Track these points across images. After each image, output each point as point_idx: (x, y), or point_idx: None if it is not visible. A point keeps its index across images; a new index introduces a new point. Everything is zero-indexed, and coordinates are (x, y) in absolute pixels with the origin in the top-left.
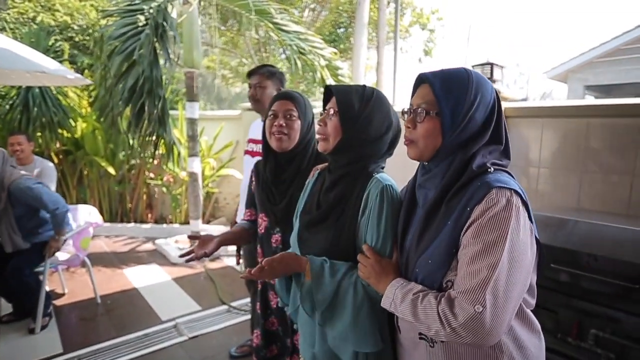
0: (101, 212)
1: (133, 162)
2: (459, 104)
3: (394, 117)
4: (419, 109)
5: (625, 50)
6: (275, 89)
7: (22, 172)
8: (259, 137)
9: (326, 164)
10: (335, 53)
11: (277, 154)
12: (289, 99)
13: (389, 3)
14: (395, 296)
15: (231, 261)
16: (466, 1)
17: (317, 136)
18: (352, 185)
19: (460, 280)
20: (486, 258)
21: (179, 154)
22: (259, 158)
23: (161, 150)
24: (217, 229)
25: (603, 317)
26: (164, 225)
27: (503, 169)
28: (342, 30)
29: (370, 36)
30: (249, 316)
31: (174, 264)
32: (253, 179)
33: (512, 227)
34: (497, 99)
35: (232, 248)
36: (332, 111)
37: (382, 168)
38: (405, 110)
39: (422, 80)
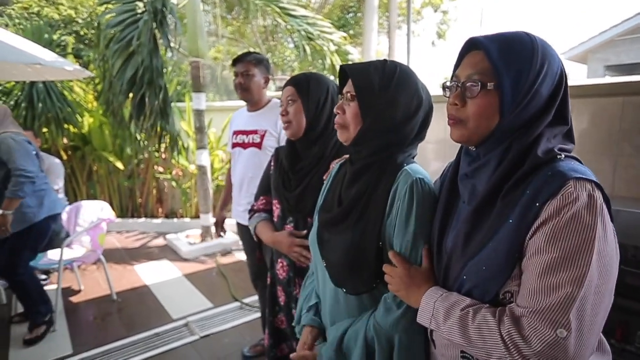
0: (112, 208)
1: (141, 156)
2: (523, 75)
3: (424, 93)
4: (470, 82)
5: None
6: (263, 77)
7: (14, 130)
8: (247, 127)
9: (347, 155)
10: (345, 37)
11: (294, 141)
12: (290, 84)
13: None
14: (436, 310)
15: (243, 256)
16: None
17: (335, 125)
18: (378, 179)
19: (530, 296)
20: (569, 270)
21: (186, 147)
22: (254, 150)
23: (166, 143)
24: (227, 223)
25: None
26: (175, 220)
27: (574, 156)
28: (351, 15)
29: (381, 20)
30: (259, 314)
31: (185, 259)
32: (272, 164)
33: (599, 231)
34: (564, 70)
35: None
36: (349, 96)
37: (414, 157)
38: (449, 83)
39: (473, 45)
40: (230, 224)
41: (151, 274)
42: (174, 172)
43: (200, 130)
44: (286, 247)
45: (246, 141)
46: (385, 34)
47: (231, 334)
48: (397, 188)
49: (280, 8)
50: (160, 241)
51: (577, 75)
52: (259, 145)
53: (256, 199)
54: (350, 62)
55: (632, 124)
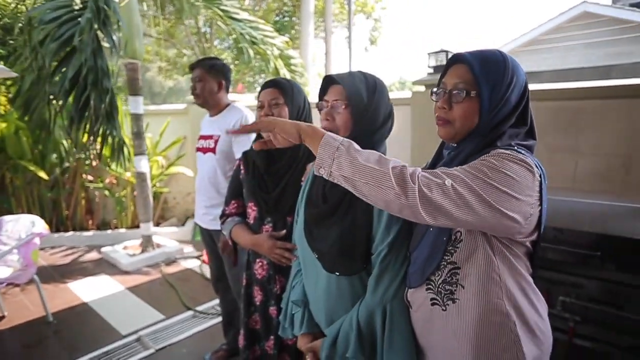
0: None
1: (67, 164)
2: (497, 86)
3: (389, 101)
4: (456, 90)
5: (542, 41)
6: (217, 82)
7: None
8: (207, 132)
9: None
10: (287, 42)
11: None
12: (272, 86)
13: None
14: (341, 144)
15: (189, 264)
16: None
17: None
18: None
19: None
20: (479, 176)
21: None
22: (210, 154)
23: (107, 149)
24: (168, 231)
25: (568, 284)
26: (109, 231)
27: (524, 149)
28: (286, 19)
29: (315, 25)
30: (217, 320)
31: (126, 272)
32: (242, 168)
33: (519, 175)
34: (527, 82)
35: (188, 250)
36: (340, 104)
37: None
38: (437, 90)
39: (458, 60)
40: (171, 231)
41: (89, 290)
42: (106, 181)
43: (138, 135)
44: (267, 249)
45: (205, 146)
46: (319, 38)
47: (189, 343)
48: None
49: (223, 11)
50: (94, 255)
51: None
52: (213, 150)
53: (227, 203)
54: (292, 66)
55: (543, 125)
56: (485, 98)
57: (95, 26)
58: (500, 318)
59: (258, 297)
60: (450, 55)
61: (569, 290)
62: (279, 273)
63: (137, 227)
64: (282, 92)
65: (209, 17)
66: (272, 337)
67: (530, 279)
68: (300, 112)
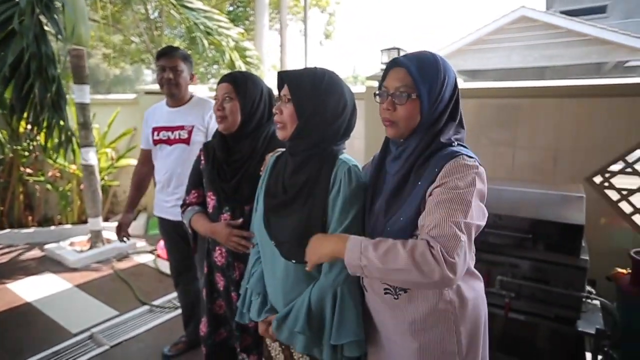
0: None
1: (2, 156)
2: (434, 86)
3: (349, 96)
4: (398, 92)
5: (487, 41)
6: (189, 73)
7: None
8: (171, 123)
9: (279, 149)
10: (242, 34)
11: (226, 135)
12: (227, 81)
13: None
14: (364, 246)
15: (143, 258)
16: None
17: (276, 125)
18: (319, 168)
19: (431, 221)
20: (458, 202)
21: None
22: (181, 145)
23: (51, 140)
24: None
25: (505, 264)
26: (52, 228)
27: (463, 144)
28: (240, 9)
29: (270, 17)
30: (174, 313)
31: (74, 269)
32: (202, 158)
33: (477, 187)
34: (456, 79)
35: (141, 244)
36: (285, 98)
37: (344, 150)
38: (380, 92)
39: (395, 64)
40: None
41: (32, 290)
42: (49, 174)
43: (85, 126)
44: (224, 237)
45: (172, 137)
46: (274, 30)
47: (145, 338)
48: (336, 174)
49: None
50: (36, 253)
51: None
52: (187, 141)
53: (187, 193)
54: (248, 58)
55: (487, 120)
56: (424, 98)
57: (37, 9)
58: (444, 305)
59: (221, 282)
60: (393, 56)
61: (506, 270)
62: (237, 260)
63: (84, 222)
64: (234, 86)
65: (159, 3)
66: (232, 321)
67: (472, 262)
68: (255, 104)
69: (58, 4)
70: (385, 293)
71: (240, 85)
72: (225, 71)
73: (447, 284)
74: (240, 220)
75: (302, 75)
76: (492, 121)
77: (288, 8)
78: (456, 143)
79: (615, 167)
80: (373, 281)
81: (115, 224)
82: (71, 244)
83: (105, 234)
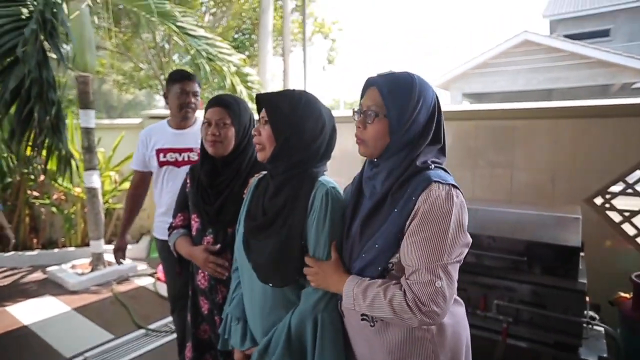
0: None
1: (10, 179)
2: (405, 107)
3: (327, 117)
4: (369, 111)
5: (491, 64)
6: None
7: None
8: (178, 145)
9: (263, 171)
10: (244, 60)
11: (215, 158)
12: (222, 106)
13: (292, 11)
14: (356, 295)
15: (143, 281)
16: (364, 14)
17: (255, 146)
18: (297, 190)
19: (412, 263)
20: (434, 243)
21: (74, 168)
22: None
23: (52, 163)
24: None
25: (501, 288)
26: (56, 250)
27: (441, 166)
28: (245, 36)
29: (275, 44)
30: (170, 337)
31: (74, 292)
32: (188, 182)
33: (454, 214)
34: (437, 102)
35: (142, 267)
36: (263, 120)
37: (325, 172)
38: (356, 110)
39: (370, 83)
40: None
41: (31, 313)
42: (54, 197)
43: (89, 149)
44: (201, 262)
45: (179, 159)
46: (278, 56)
47: None
48: (315, 196)
49: (179, 27)
50: (38, 275)
51: (443, 100)
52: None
53: (174, 216)
54: (249, 83)
55: (484, 142)
56: (393, 119)
57: (42, 37)
58: (421, 333)
59: (205, 306)
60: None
61: (502, 293)
62: (220, 283)
63: (88, 245)
64: (230, 113)
65: (165, 32)
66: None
67: (454, 287)
68: (246, 130)
69: (62, 32)
70: (362, 320)
71: (235, 112)
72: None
73: (430, 325)
74: (218, 246)
75: (280, 96)
76: (490, 143)
77: (292, 34)
78: (433, 166)
79: (615, 188)
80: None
81: None
82: (73, 267)
83: (107, 257)
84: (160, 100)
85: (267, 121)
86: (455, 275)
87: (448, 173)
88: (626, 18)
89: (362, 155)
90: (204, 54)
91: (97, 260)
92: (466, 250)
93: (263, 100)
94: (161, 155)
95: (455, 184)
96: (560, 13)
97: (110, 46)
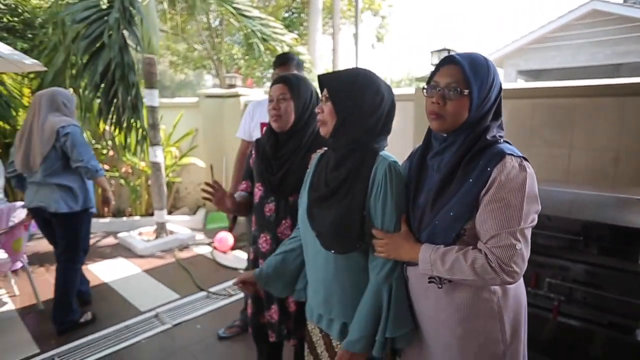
0: None
1: None
2: (483, 85)
3: (386, 92)
4: (451, 87)
5: (550, 39)
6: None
7: None
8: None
9: (324, 147)
10: (296, 39)
11: (278, 133)
12: (281, 82)
13: None
14: (434, 260)
15: (201, 250)
16: None
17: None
18: (360, 163)
19: (488, 230)
20: (511, 210)
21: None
22: None
23: (131, 138)
24: (181, 219)
25: (555, 267)
26: (124, 219)
27: (506, 140)
28: (295, 15)
29: (323, 22)
30: (229, 300)
31: (141, 256)
32: (253, 153)
33: (528, 184)
34: (501, 82)
35: (200, 237)
36: (325, 97)
37: (385, 147)
38: (430, 86)
39: (449, 60)
40: (183, 219)
41: (108, 271)
42: (122, 170)
43: (153, 127)
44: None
45: None
46: (328, 34)
47: (202, 320)
48: (377, 170)
49: (235, 9)
50: (110, 240)
51: None
52: None
53: (240, 182)
54: (304, 63)
55: (540, 121)
56: (475, 96)
57: (122, 25)
58: (488, 294)
59: None
60: (443, 57)
61: (555, 272)
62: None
63: (151, 215)
64: (289, 87)
65: (219, 13)
66: (273, 305)
67: (529, 249)
68: (307, 105)
69: (138, 19)
70: (429, 282)
71: (294, 87)
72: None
73: (510, 283)
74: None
75: (339, 74)
76: (546, 122)
77: (341, 12)
78: (502, 140)
79: None
80: (417, 270)
81: (179, 217)
82: (140, 234)
83: (169, 227)
84: (209, 79)
85: (327, 97)
86: (529, 239)
87: (512, 146)
88: None
89: (437, 131)
90: (258, 34)
91: (161, 229)
92: (536, 217)
93: (324, 79)
94: (264, 129)
95: (525, 157)
96: None
97: (166, 28)
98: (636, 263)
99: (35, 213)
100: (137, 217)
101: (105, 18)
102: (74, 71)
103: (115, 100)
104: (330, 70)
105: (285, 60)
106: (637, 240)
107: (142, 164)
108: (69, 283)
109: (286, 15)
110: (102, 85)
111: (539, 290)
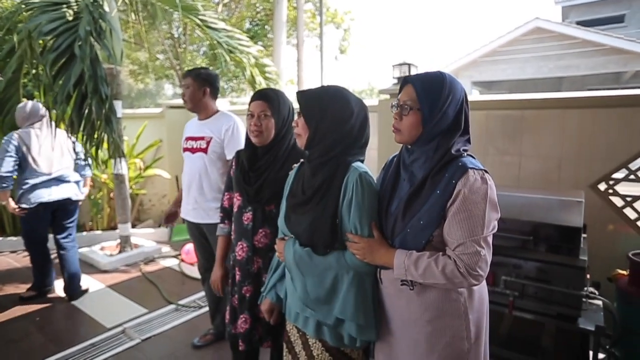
0: (1, 226)
1: None
2: (435, 102)
3: (357, 106)
4: (405, 105)
5: (501, 52)
6: (202, 90)
7: None
8: (196, 134)
9: (301, 159)
10: (261, 51)
11: (257, 146)
12: (263, 99)
13: (306, 2)
14: (407, 266)
15: (168, 262)
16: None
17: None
18: (333, 173)
19: (455, 238)
20: (475, 219)
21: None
22: (201, 154)
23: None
24: (145, 232)
25: (509, 265)
26: (84, 233)
27: (470, 154)
28: (258, 27)
29: (287, 33)
30: (199, 312)
31: (105, 271)
32: (233, 164)
33: (489, 196)
34: (465, 97)
35: (166, 249)
36: (299, 113)
37: (362, 160)
38: (394, 104)
39: (406, 81)
40: (148, 232)
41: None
42: None
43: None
44: (215, 276)
45: (195, 146)
46: (292, 46)
47: (173, 334)
48: (348, 180)
49: (201, 20)
50: None
51: None
52: (205, 150)
53: (223, 195)
54: (267, 74)
55: (494, 131)
56: (425, 112)
57: (93, 37)
58: (455, 295)
59: (237, 277)
60: (404, 70)
61: (510, 270)
62: (256, 254)
63: (113, 228)
64: (269, 104)
65: (182, 23)
66: (242, 314)
67: (491, 254)
68: (285, 121)
69: (106, 29)
70: (402, 284)
71: (274, 103)
72: (247, 86)
73: (475, 285)
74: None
75: (310, 91)
76: (499, 131)
77: (305, 25)
78: (465, 154)
79: (618, 175)
80: (391, 274)
81: (143, 230)
82: (102, 248)
83: (133, 240)
84: (168, 89)
85: (299, 114)
86: (491, 244)
87: (476, 159)
88: None
89: (397, 142)
90: (224, 45)
91: (125, 243)
92: (497, 223)
93: (297, 95)
94: (185, 142)
95: (486, 169)
96: None
97: (126, 37)
98: (577, 258)
99: None
100: (99, 232)
101: (74, 30)
102: (26, 81)
103: (86, 113)
104: (295, 82)
105: (185, 73)
106: (578, 238)
107: (104, 177)
108: None
109: (250, 26)
110: (73, 98)
111: (496, 287)
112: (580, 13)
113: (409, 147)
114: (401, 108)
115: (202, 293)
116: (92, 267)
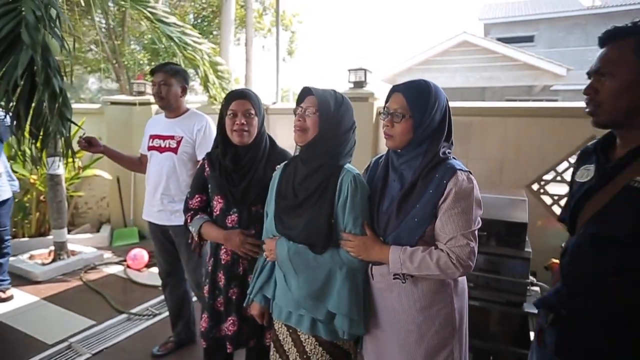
0: None
1: None
2: (425, 109)
3: (354, 120)
4: (397, 113)
5: (434, 61)
6: (180, 86)
7: None
8: (164, 132)
9: (284, 161)
10: (214, 49)
11: (237, 147)
12: (246, 98)
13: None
14: (403, 260)
15: (112, 269)
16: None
17: (295, 128)
18: (327, 176)
19: (447, 233)
20: (464, 216)
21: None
22: (170, 154)
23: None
24: (82, 238)
25: None
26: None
27: (454, 157)
28: (205, 24)
29: (235, 32)
30: (155, 320)
31: (38, 282)
32: (206, 166)
33: (475, 193)
34: (447, 104)
35: (107, 256)
36: (312, 109)
37: (349, 162)
38: (383, 111)
39: (395, 90)
40: (85, 238)
41: None
42: None
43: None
44: (237, 243)
45: (163, 145)
46: (236, 45)
47: (128, 345)
48: (342, 181)
49: (151, 13)
50: None
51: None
52: (175, 151)
53: (191, 197)
54: (219, 72)
55: None
56: (416, 119)
57: (43, 24)
58: (444, 287)
59: (222, 280)
60: (359, 74)
61: None
62: (242, 257)
63: (42, 235)
64: (252, 103)
65: (120, 14)
66: (231, 317)
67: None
68: (262, 119)
69: (54, 14)
70: (394, 278)
71: (256, 102)
72: (197, 84)
73: (464, 275)
74: (253, 231)
75: (327, 93)
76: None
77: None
78: (451, 157)
79: (548, 177)
80: (382, 269)
81: (80, 236)
82: (30, 257)
83: (70, 246)
84: (93, 83)
85: (316, 111)
86: (477, 237)
87: (460, 161)
88: (547, 26)
89: (390, 148)
90: (177, 40)
91: (61, 249)
92: (480, 218)
93: (315, 92)
94: (151, 140)
95: (470, 171)
96: (494, 17)
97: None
98: (522, 250)
99: None
100: (26, 239)
101: (16, 12)
102: None
103: (34, 107)
104: (241, 81)
105: (157, 68)
106: (524, 232)
107: (33, 177)
108: None
109: (194, 22)
110: (18, 91)
111: (470, 283)
112: (499, 30)
113: (398, 150)
114: (392, 115)
115: (154, 300)
116: (22, 279)
